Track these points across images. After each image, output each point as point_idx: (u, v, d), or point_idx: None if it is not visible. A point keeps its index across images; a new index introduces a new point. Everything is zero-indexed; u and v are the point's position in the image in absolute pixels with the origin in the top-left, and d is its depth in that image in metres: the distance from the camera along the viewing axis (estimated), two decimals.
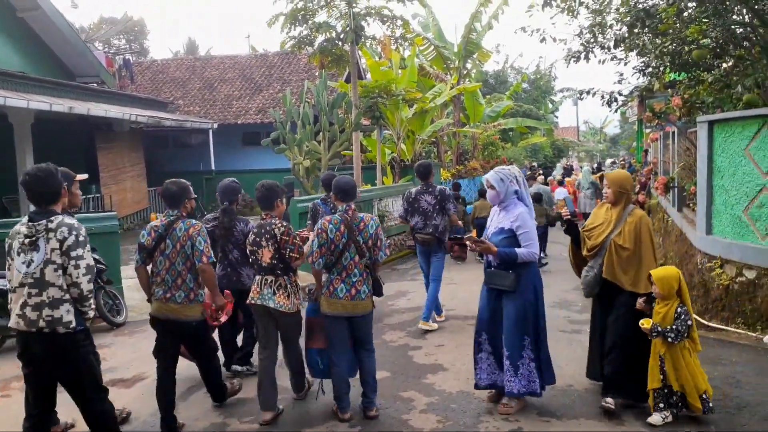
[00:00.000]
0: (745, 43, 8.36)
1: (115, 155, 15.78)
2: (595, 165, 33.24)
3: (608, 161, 42.54)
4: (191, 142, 20.38)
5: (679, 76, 10.78)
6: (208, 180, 19.05)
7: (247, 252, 4.58)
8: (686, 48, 7.96)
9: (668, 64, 9.63)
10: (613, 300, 4.39)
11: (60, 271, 3.36)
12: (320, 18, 13.20)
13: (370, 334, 4.57)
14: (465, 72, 21.20)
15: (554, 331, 6.55)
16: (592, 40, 8.53)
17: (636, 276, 4.23)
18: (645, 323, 4.04)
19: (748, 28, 8.13)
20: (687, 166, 8.20)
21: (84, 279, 3.38)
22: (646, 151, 21.04)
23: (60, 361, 3.43)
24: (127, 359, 6.19)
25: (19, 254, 3.40)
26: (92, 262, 3.51)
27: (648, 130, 20.52)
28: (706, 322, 6.88)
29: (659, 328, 4.03)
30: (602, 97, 10.48)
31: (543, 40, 10.10)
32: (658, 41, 8.54)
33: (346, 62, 13.85)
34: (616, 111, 10.68)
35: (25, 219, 3.48)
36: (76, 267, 3.36)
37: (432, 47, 20.22)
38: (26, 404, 3.66)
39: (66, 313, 3.38)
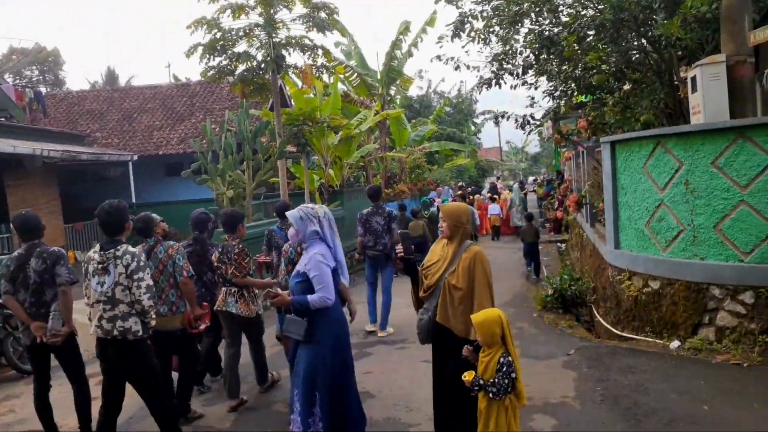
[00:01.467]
0: (640, 67, 9.00)
1: (26, 192, 14.99)
2: (518, 183, 34.50)
3: (530, 179, 44.19)
4: (110, 175, 19.66)
5: (585, 98, 11.47)
6: (129, 214, 18.37)
7: (215, 267, 5.47)
8: (588, 73, 8.48)
9: (574, 88, 10.24)
10: (448, 347, 3.81)
11: (126, 291, 4.08)
12: (240, 48, 13.20)
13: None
14: (389, 98, 21.62)
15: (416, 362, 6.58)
16: (501, 67, 8.94)
17: (468, 320, 3.62)
18: (467, 376, 3.44)
19: (643, 54, 8.77)
20: (595, 183, 8.68)
21: (144, 297, 4.09)
22: (559, 172, 22.11)
23: (128, 361, 4.18)
24: None
25: (93, 276, 4.12)
26: (151, 283, 4.19)
27: (563, 149, 21.58)
28: (618, 332, 7.26)
29: (480, 381, 3.44)
30: (516, 120, 11.00)
31: (458, 68, 10.50)
32: (564, 67, 9.07)
33: (268, 91, 13.84)
34: (529, 133, 11.20)
35: (97, 247, 4.21)
36: (138, 287, 4.07)
37: (355, 74, 20.52)
38: (103, 394, 4.35)
39: (134, 324, 4.11)
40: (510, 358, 3.44)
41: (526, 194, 23.94)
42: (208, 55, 12.70)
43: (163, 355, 4.97)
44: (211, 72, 13.05)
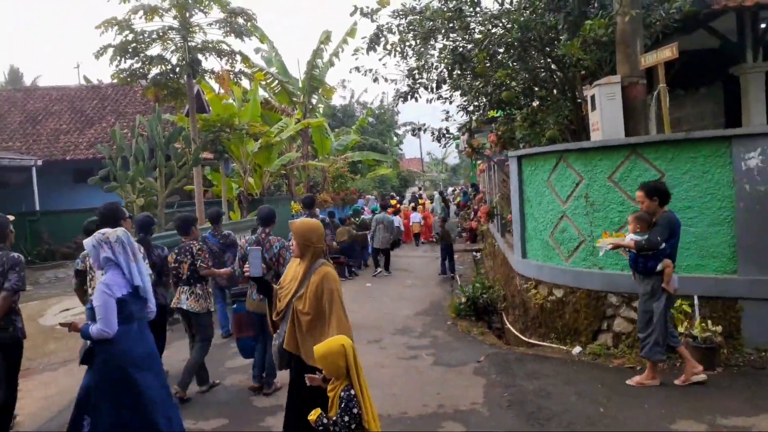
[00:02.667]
0: (546, 84, 9.45)
1: None
2: (438, 193, 35.30)
3: (450, 189, 45.34)
4: (12, 181, 18.39)
5: (497, 113, 11.90)
6: (32, 222, 17.26)
7: (170, 267, 5.93)
8: (498, 90, 8.82)
9: (486, 103, 10.61)
10: (302, 375, 3.53)
11: None
12: (154, 51, 12.79)
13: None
14: (311, 107, 21.55)
15: (393, 359, 6.85)
16: (416, 81, 9.14)
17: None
18: (312, 414, 3.18)
19: (549, 72, 9.22)
20: (504, 195, 9.03)
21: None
22: (474, 184, 22.85)
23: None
24: None
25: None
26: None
27: (479, 162, 22.30)
28: (526, 339, 7.56)
29: (324, 420, 3.17)
30: (432, 133, 11.26)
31: (376, 80, 10.61)
32: (476, 83, 9.37)
33: (183, 95, 13.47)
34: (445, 146, 11.48)
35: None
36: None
37: (276, 81, 20.33)
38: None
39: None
40: (352, 392, 3.15)
41: (448, 204, 24.75)
42: (119, 57, 12.21)
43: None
44: (122, 75, 12.57)
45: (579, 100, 8.81)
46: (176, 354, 7.10)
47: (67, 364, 7.42)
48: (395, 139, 46.78)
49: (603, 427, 4.59)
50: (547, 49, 8.36)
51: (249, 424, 5.18)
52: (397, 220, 18.77)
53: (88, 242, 3.96)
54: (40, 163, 17.54)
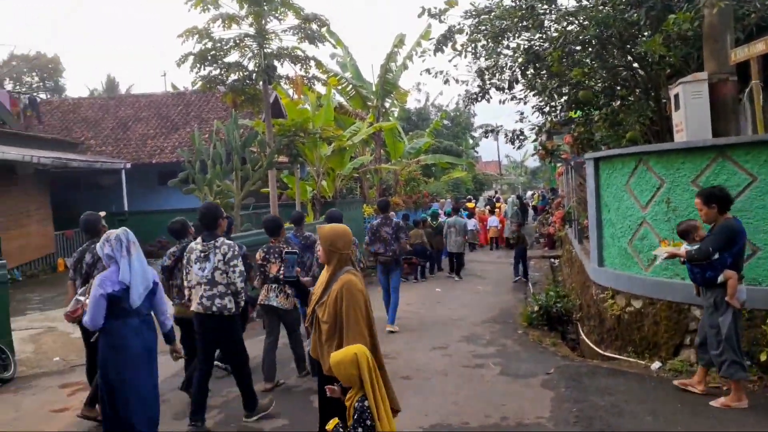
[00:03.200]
0: (627, 83, 8.97)
1: (15, 199, 14.91)
2: (514, 196, 34.59)
3: (528, 193, 44.26)
4: (104, 183, 19.57)
5: (575, 114, 11.44)
6: (121, 221, 18.26)
7: (258, 265, 6.17)
8: (574, 89, 8.45)
9: (563, 103, 10.21)
10: (329, 382, 3.52)
11: (223, 275, 4.90)
12: (231, 58, 13.20)
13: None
14: (383, 110, 21.60)
15: (458, 367, 6.67)
16: (486, 82, 8.91)
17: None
18: (330, 425, 3.20)
19: (630, 71, 8.75)
20: (581, 199, 8.62)
21: (237, 279, 4.92)
22: (554, 189, 22.15)
23: (221, 333, 5.04)
24: (8, 418, 5.75)
25: (195, 262, 4.98)
26: (243, 269, 5.05)
27: (559, 164, 21.59)
28: (602, 352, 7.17)
29: (340, 429, 3.18)
30: (506, 135, 10.97)
31: (446, 81, 10.48)
32: (551, 83, 9.03)
33: (260, 101, 13.83)
34: (518, 148, 11.17)
35: (198, 240, 5.09)
36: (234, 271, 4.92)
37: (351, 86, 20.55)
38: (199, 361, 5.17)
39: (228, 302, 4.94)
40: (366, 403, 3.10)
41: (526, 208, 24.19)
42: (198, 65, 12.70)
43: (191, 338, 5.63)
44: (202, 82, 13.06)
45: (663, 100, 8.30)
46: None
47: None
48: (471, 141, 46.14)
49: None
50: (628, 46, 7.94)
51: (308, 427, 5.15)
52: (472, 223, 18.62)
53: (100, 243, 4.23)
54: (128, 166, 18.55)
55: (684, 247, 4.92)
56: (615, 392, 5.49)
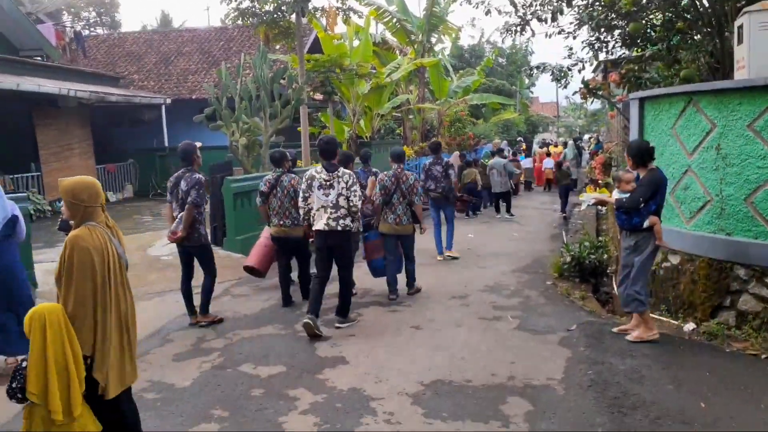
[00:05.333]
0: (687, 15, 8.01)
1: (57, 132, 15.10)
2: (572, 140, 33.24)
3: (586, 136, 42.41)
4: (145, 118, 19.63)
5: (631, 50, 10.44)
6: (162, 157, 18.44)
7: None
8: (623, 21, 7.58)
9: (616, 38, 9.28)
10: None
11: (346, 199, 5.75)
12: None
13: (411, 248, 7.26)
14: (429, 46, 20.59)
15: (473, 319, 6.31)
16: (529, 12, 8.10)
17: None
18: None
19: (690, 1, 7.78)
20: (625, 144, 7.88)
21: (358, 202, 5.82)
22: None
23: (343, 244, 5.89)
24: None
25: (319, 189, 5.77)
26: (361, 192, 6.01)
27: (607, 107, 20.32)
28: None
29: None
30: (553, 72, 10.13)
31: (488, 12, 9.70)
32: (602, 12, 8.13)
33: (294, 35, 13.31)
34: (564, 86, 10.31)
35: (319, 167, 5.90)
36: (354, 195, 5.78)
37: (395, 20, 19.58)
38: (317, 268, 6.07)
39: (350, 222, 5.83)
40: (25, 363, 2.93)
41: (581, 151, 23.29)
42: None
43: (287, 254, 6.95)
44: (234, 14, 12.61)
45: (727, 34, 7.37)
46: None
47: (163, 294, 7.71)
48: (526, 81, 44.07)
49: (699, 427, 3.80)
50: None
51: (304, 375, 4.94)
52: (528, 162, 19.81)
53: None
54: (169, 101, 18.50)
55: (614, 195, 5.35)
56: (638, 355, 5.04)
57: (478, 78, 24.92)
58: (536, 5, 8.15)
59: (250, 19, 12.65)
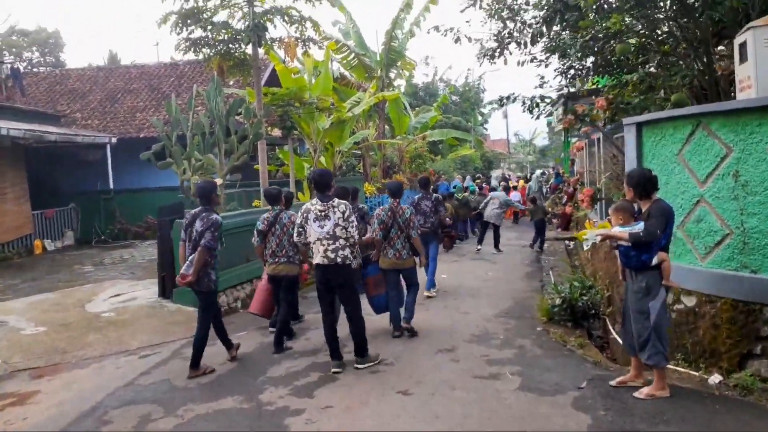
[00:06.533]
0: (669, 39, 7.64)
1: None
2: (527, 175, 33.38)
3: (538, 172, 42.91)
4: (90, 158, 18.34)
5: (603, 79, 10.09)
6: (107, 200, 17.17)
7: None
8: (609, 42, 7.12)
9: (590, 65, 8.89)
10: None
11: (343, 230, 5.59)
12: (218, 18, 11.88)
13: (414, 277, 7.08)
14: (388, 81, 20.16)
15: (467, 377, 5.47)
16: (507, 35, 7.57)
17: None
18: None
19: (674, 23, 7.40)
20: (614, 175, 7.33)
21: (355, 233, 5.65)
22: (573, 161, 20.73)
23: (343, 278, 5.68)
24: None
25: (315, 221, 5.61)
26: (357, 223, 5.88)
27: (574, 140, 20.14)
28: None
29: None
30: (523, 102, 9.67)
31: (458, 40, 9.18)
32: (583, 35, 7.68)
33: (250, 67, 12.53)
34: (537, 117, 9.85)
35: (314, 200, 5.70)
36: (351, 226, 5.62)
37: (353, 55, 19.11)
38: (322, 310, 5.82)
39: (348, 253, 5.67)
40: None
41: (540, 186, 23.19)
42: (181, 25, 11.40)
43: (278, 291, 6.82)
44: (185, 45, 11.76)
45: (715, 55, 6.99)
46: None
47: (103, 360, 6.61)
48: (480, 118, 44.47)
49: None
50: None
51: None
52: (517, 196, 19.33)
53: None
54: (114, 140, 17.31)
55: (621, 229, 4.64)
56: (670, 419, 4.29)
57: (436, 114, 24.68)
58: (516, 27, 7.62)
59: (203, 49, 11.81)
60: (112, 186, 17.12)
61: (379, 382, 5.41)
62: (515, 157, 62.83)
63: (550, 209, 20.38)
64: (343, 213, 5.64)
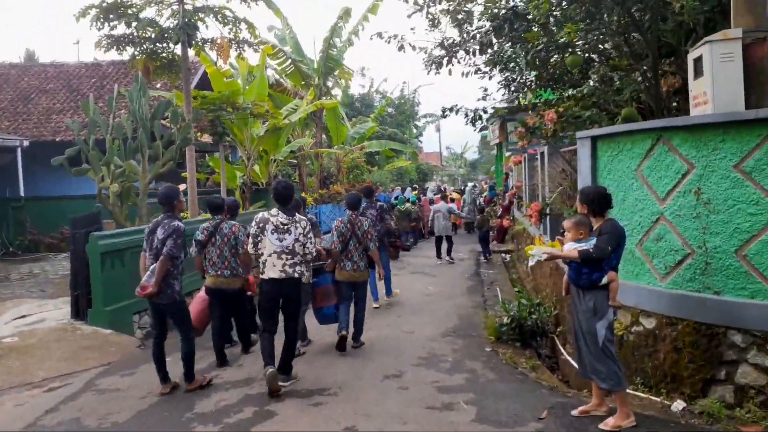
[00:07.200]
0: (615, 54, 7.56)
1: None
2: (471, 185, 33.67)
3: (469, 185, 43.53)
4: None
5: (545, 93, 10.01)
6: (17, 209, 15.70)
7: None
8: (558, 54, 6.93)
9: (533, 79, 8.76)
10: None
11: (301, 246, 5.61)
12: (146, 14, 11.05)
13: (365, 297, 7.11)
14: (325, 90, 19.66)
15: (419, 408, 5.01)
16: (455, 44, 7.26)
17: None
18: None
19: (619, 38, 7.31)
20: (565, 190, 7.13)
21: (313, 249, 5.71)
22: (507, 175, 20.87)
23: (296, 292, 5.65)
24: None
25: (273, 233, 5.52)
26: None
27: (508, 153, 20.27)
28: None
29: None
30: (466, 114, 9.45)
31: (401, 48, 8.84)
32: (537, 44, 7.49)
33: (179, 68, 11.73)
34: (481, 130, 9.65)
35: (274, 210, 5.61)
36: (311, 242, 5.66)
37: (289, 61, 18.50)
38: (263, 320, 5.70)
39: (305, 269, 5.80)
40: None
41: (475, 198, 23.32)
42: (102, 20, 10.49)
43: (224, 308, 6.51)
44: (107, 42, 10.85)
45: (662, 71, 6.92)
46: None
47: (1, 395, 5.73)
48: (415, 130, 44.70)
49: None
50: (629, 2, 6.41)
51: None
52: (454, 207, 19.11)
53: None
54: (26, 143, 15.93)
55: (574, 245, 4.43)
56: None
57: (374, 125, 24.42)
58: (464, 36, 7.32)
59: (127, 48, 10.92)
60: (23, 193, 15.73)
61: (323, 417, 4.87)
62: (447, 170, 63.77)
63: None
64: (305, 229, 5.57)
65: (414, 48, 8.84)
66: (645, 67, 7.24)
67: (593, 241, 4.38)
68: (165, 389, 5.49)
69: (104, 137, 9.31)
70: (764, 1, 5.18)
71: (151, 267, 5.32)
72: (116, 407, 5.23)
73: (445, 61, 7.62)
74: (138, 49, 10.82)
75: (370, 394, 5.37)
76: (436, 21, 8.73)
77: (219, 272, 6.32)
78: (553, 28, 7.13)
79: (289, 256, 5.46)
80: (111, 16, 10.40)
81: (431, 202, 21.99)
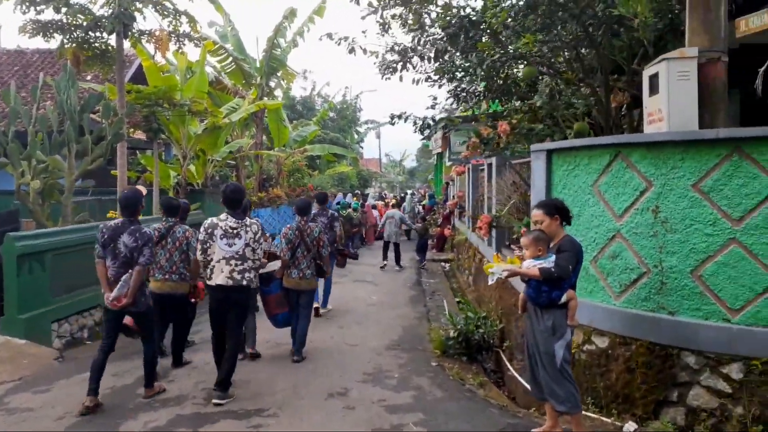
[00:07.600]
0: (567, 68, 7.56)
1: None
2: (411, 193, 33.69)
3: (409, 192, 43.73)
4: None
5: (493, 104, 10.00)
6: None
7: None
8: (512, 65, 6.85)
9: (482, 90, 8.70)
10: None
11: (252, 251, 5.44)
12: (78, 1, 10.30)
13: (310, 307, 6.92)
14: (268, 90, 19.10)
15: None
16: (410, 49, 7.07)
17: None
18: None
19: (572, 52, 7.32)
20: (517, 203, 7.03)
21: (262, 255, 5.64)
22: (448, 184, 20.92)
23: (243, 299, 5.46)
24: None
25: (222, 238, 5.34)
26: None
27: (449, 163, 20.33)
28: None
29: None
30: (415, 122, 9.30)
31: (352, 50, 8.59)
32: (482, 57, 7.39)
33: (112, 60, 11.01)
34: (429, 138, 9.54)
35: (223, 215, 5.43)
36: (260, 248, 5.55)
37: (230, 59, 17.83)
38: (214, 332, 5.56)
39: (253, 275, 5.51)
40: None
41: (415, 205, 23.32)
42: (27, 3, 9.69)
43: (166, 312, 6.25)
44: (33, 27, 10.05)
45: (615, 85, 6.96)
46: None
47: None
48: (356, 136, 44.56)
49: None
50: (584, 16, 6.40)
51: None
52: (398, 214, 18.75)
53: None
54: None
55: (533, 262, 4.22)
56: None
57: (316, 129, 24.01)
58: (419, 43, 7.13)
59: (55, 35, 10.14)
60: None
61: None
62: (387, 177, 64.05)
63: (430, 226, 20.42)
64: (255, 234, 5.44)
65: (365, 51, 8.60)
66: (596, 84, 7.27)
67: (552, 257, 4.22)
68: (90, 402, 4.99)
69: (26, 129, 8.54)
70: (720, 23, 5.22)
71: (123, 277, 5.03)
72: (27, 429, 4.67)
73: (399, 66, 7.41)
74: (67, 37, 10.09)
75: (314, 415, 5.03)
76: (387, 26, 8.54)
77: (167, 276, 6.18)
78: (503, 39, 7.05)
79: (239, 262, 5.33)
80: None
81: (374, 207, 22.02)
